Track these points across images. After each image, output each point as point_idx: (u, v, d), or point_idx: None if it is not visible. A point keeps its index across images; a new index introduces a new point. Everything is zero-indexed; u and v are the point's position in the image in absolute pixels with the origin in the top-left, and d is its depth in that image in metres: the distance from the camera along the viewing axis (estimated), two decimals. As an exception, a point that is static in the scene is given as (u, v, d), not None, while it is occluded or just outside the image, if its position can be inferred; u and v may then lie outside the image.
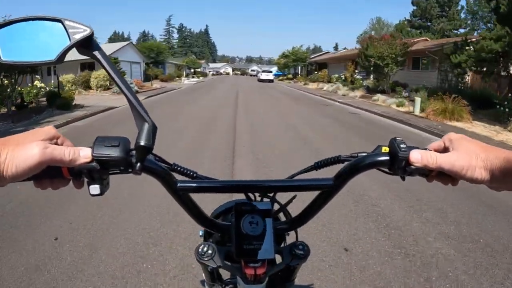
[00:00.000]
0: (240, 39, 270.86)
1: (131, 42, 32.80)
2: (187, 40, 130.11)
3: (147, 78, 34.94)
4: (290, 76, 54.38)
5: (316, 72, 41.77)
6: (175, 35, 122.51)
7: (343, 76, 30.10)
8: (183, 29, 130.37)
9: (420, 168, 0.57)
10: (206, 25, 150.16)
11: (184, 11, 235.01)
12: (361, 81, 24.94)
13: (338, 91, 23.57)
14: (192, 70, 65.38)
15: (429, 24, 46.72)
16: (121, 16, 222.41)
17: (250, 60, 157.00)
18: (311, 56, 50.08)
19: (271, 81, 47.12)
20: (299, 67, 52.55)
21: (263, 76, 48.45)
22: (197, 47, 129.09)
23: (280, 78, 56.56)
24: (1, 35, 0.53)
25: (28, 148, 0.47)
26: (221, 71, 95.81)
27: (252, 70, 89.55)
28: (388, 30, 56.83)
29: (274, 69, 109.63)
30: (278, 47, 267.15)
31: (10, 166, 0.46)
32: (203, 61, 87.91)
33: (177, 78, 41.77)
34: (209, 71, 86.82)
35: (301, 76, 50.07)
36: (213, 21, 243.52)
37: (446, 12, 45.91)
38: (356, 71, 27.15)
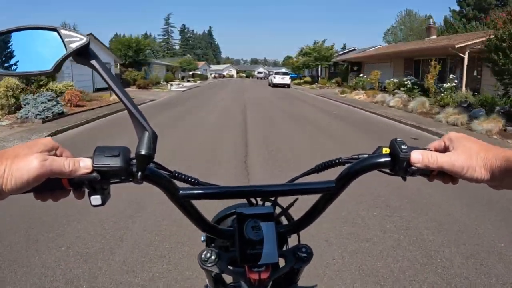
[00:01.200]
0: (244, 41, 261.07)
1: (92, 35, 20.93)
2: (190, 41, 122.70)
3: (126, 83, 24.53)
4: (307, 79, 41.73)
5: (352, 75, 29.43)
6: (175, 35, 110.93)
7: (407, 83, 17.91)
8: (185, 30, 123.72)
9: (421, 168, 0.56)
10: (210, 26, 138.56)
11: (186, 11, 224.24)
12: (453, 93, 13.56)
13: (439, 116, 11.30)
14: (191, 73, 53.58)
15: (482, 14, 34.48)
16: (121, 17, 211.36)
17: (255, 62, 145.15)
18: (339, 53, 37.50)
19: (287, 86, 35.96)
20: (320, 68, 40.15)
21: (278, 79, 36.58)
22: (200, 49, 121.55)
23: (295, 81, 44.33)
24: None
25: (27, 161, 0.46)
26: (224, 73, 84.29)
27: (259, 72, 78.25)
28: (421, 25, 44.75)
29: (283, 70, 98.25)
30: (283, 49, 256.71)
31: (10, 180, 0.45)
32: (202, 62, 76.30)
33: (165, 83, 29.92)
34: (211, 74, 75.28)
35: (323, 79, 37.68)
36: (217, 22, 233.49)
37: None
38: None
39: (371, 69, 24.65)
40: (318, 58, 36.85)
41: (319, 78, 40.24)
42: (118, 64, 28.35)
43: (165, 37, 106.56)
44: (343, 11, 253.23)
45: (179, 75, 44.83)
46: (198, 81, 47.34)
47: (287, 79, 36.01)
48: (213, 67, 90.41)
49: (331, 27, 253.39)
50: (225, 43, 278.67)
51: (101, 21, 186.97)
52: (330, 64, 37.31)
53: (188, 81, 45.83)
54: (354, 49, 45.27)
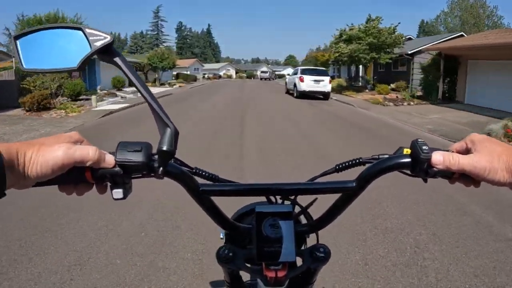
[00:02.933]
0: (244, 41, 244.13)
1: None
2: (187, 40, 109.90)
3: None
4: (340, 81, 27.15)
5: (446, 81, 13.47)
6: (167, 30, 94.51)
7: None
8: (182, 27, 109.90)
9: (442, 170, 0.54)
10: (209, 24, 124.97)
11: (183, 10, 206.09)
12: None
13: None
14: (175, 73, 37.61)
15: None
16: (113, 17, 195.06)
17: (257, 61, 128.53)
18: (424, 45, 20.61)
19: (325, 96, 19.45)
20: (360, 67, 23.97)
21: (309, 84, 19.13)
22: (198, 48, 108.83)
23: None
24: (23, 44, 0.52)
25: (52, 149, 0.46)
26: (221, 73, 68.05)
27: (263, 72, 62.34)
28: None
29: (289, 69, 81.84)
30: (283, 49, 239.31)
31: (35, 166, 0.45)
32: (192, 60, 60.16)
33: (87, 98, 13.91)
34: (204, 74, 59.08)
35: (369, 83, 21.64)
36: (216, 22, 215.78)
37: None
38: None
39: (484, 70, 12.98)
40: (376, 45, 20.22)
41: (368, 81, 23.87)
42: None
43: (154, 33, 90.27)
44: (346, 10, 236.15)
45: (157, 75, 28.89)
46: (179, 85, 31.30)
47: (325, 84, 19.03)
48: (207, 65, 74.15)
49: (334, 26, 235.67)
50: (225, 43, 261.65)
51: (99, 21, 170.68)
52: (391, 58, 21.01)
53: (163, 84, 29.82)
54: (410, 38, 29.26)
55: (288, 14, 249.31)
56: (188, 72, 47.19)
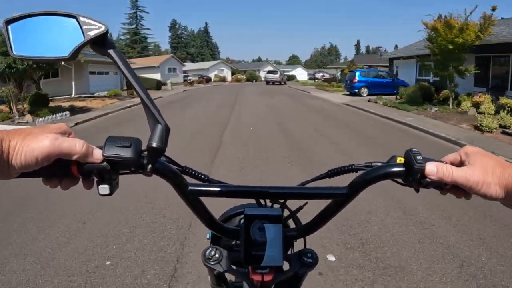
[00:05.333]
0: (244, 41, 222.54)
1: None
2: (182, 38, 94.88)
3: None
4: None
5: None
6: (148, 23, 74.30)
7: None
8: (177, 25, 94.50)
9: (435, 181, 0.51)
10: (206, 23, 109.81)
11: (177, 4, 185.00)
12: None
13: None
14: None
15: None
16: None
17: (258, 60, 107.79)
18: None
19: None
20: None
21: None
22: (194, 47, 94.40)
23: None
24: (14, 29, 0.48)
25: (38, 139, 0.43)
26: (211, 74, 47.47)
27: (270, 73, 42.78)
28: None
29: (299, 69, 60.57)
30: (284, 50, 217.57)
31: (19, 155, 0.42)
32: (167, 56, 40.36)
33: None
34: (186, 76, 39.34)
35: None
36: (214, 20, 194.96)
37: None
38: None
39: None
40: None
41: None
42: None
43: (132, 27, 69.79)
44: (348, 10, 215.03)
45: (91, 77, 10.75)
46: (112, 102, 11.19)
47: None
48: (191, 65, 53.76)
49: (340, 28, 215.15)
50: (224, 43, 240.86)
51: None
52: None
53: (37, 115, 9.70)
54: None
55: (289, 14, 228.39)
56: (151, 77, 27.28)
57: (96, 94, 20.53)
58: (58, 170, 0.47)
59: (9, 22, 0.48)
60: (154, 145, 0.47)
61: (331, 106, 14.69)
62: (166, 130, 0.48)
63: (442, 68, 12.29)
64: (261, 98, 18.75)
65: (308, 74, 68.18)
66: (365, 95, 18.67)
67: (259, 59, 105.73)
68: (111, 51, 0.48)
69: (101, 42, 0.48)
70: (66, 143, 0.45)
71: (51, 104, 14.44)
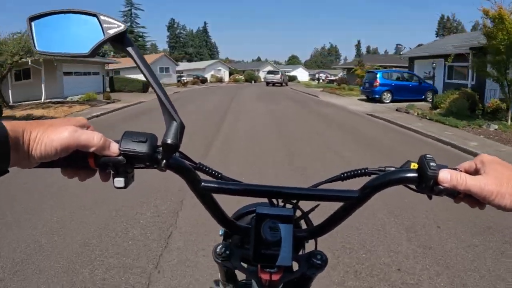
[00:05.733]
0: (244, 42, 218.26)
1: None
2: (180, 38, 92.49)
3: None
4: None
5: None
6: (143, 21, 71.20)
7: None
8: (175, 25, 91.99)
9: (448, 189, 0.50)
10: (205, 22, 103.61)
11: (178, 4, 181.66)
12: None
13: None
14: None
15: None
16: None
17: (258, 60, 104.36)
18: None
19: None
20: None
21: None
22: (192, 47, 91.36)
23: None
24: (37, 26, 0.50)
25: (58, 130, 0.45)
26: (207, 75, 44.10)
27: (270, 73, 39.13)
28: None
29: (300, 70, 57.47)
30: (286, 50, 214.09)
31: (40, 145, 0.43)
32: (159, 54, 37.47)
33: None
34: (179, 76, 36.62)
35: None
36: (214, 20, 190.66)
37: None
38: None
39: None
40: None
41: None
42: None
43: (126, 25, 65.88)
44: (349, 9, 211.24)
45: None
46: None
47: None
48: (186, 64, 50.47)
49: (340, 28, 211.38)
50: (224, 44, 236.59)
51: None
52: None
53: None
54: None
55: (288, 14, 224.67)
56: (133, 77, 24.11)
57: (68, 99, 17.24)
58: (76, 161, 0.48)
59: (32, 19, 0.50)
60: (169, 141, 0.48)
61: (352, 118, 11.39)
62: (181, 127, 0.49)
63: (502, 71, 9.08)
64: (261, 105, 15.39)
65: (310, 75, 65.22)
66: (387, 101, 15.52)
67: (259, 59, 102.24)
68: (129, 49, 0.49)
69: (120, 40, 0.49)
70: (84, 135, 0.46)
71: (8, 113, 11.63)
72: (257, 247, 0.57)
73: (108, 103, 15.99)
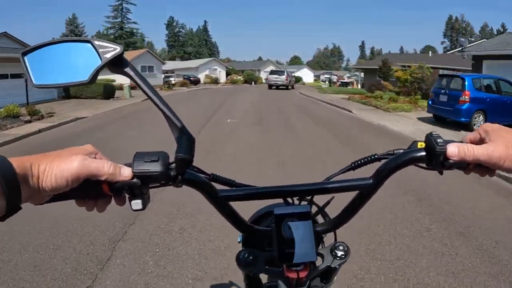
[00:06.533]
0: (244, 41, 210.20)
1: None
2: (179, 37, 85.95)
3: None
4: None
5: None
6: (135, 16, 64.90)
7: None
8: (174, 23, 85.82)
9: (458, 162, 0.51)
10: (205, 21, 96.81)
11: (178, 2, 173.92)
12: None
13: None
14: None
15: None
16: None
17: (259, 59, 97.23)
18: None
19: None
20: None
21: None
22: (192, 46, 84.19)
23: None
24: (31, 60, 0.49)
25: (67, 160, 0.44)
26: (201, 75, 37.47)
27: (273, 73, 30.59)
28: None
29: (305, 70, 50.90)
30: (287, 50, 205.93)
31: (49, 177, 0.42)
32: (140, 51, 31.37)
33: None
34: (167, 77, 29.23)
35: None
36: (214, 20, 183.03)
37: None
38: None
39: None
40: None
41: None
42: None
43: (116, 20, 59.48)
44: (352, 9, 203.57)
45: None
46: None
47: None
48: (178, 63, 43.29)
49: (343, 28, 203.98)
50: (224, 44, 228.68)
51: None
52: None
53: None
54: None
55: (290, 14, 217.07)
56: (122, 77, 17.05)
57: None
58: (89, 191, 0.47)
59: (25, 53, 0.49)
60: (181, 156, 0.47)
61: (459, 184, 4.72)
62: (192, 141, 0.49)
63: None
64: (262, 137, 7.76)
65: (315, 76, 58.97)
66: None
67: (260, 59, 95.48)
68: (127, 69, 0.48)
69: (118, 63, 0.48)
70: (94, 164, 0.45)
71: None
72: (280, 247, 0.56)
73: (29, 121, 9.38)
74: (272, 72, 29.92)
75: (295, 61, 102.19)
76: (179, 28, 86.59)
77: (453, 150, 0.50)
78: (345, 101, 16.22)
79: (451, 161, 0.50)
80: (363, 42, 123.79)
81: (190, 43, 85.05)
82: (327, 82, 46.19)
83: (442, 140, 0.51)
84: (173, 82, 31.67)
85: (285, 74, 28.32)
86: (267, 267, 0.63)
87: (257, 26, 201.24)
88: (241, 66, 52.92)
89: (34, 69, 0.48)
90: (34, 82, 0.48)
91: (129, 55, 29.65)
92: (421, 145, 0.55)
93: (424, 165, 0.54)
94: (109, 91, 18.03)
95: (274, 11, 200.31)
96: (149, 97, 0.48)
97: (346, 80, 36.03)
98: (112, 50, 0.47)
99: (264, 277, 0.68)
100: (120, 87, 20.66)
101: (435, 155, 0.50)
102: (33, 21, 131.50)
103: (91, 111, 12.43)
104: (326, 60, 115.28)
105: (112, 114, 11.92)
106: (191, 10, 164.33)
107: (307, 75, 55.30)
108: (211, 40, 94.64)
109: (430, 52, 47.64)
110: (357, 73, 35.19)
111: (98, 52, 0.47)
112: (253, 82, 39.98)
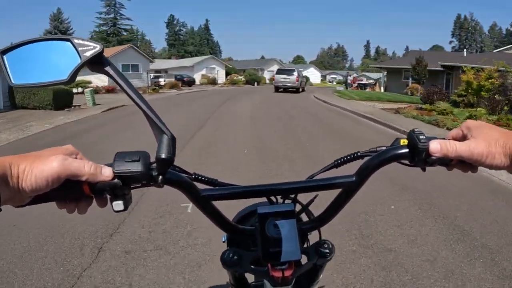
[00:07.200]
0: (247, 40, 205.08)
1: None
2: (180, 35, 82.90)
3: None
4: None
5: None
6: (128, 12, 60.28)
7: None
8: (174, 21, 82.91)
9: (441, 158, 0.50)
10: (207, 20, 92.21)
11: (178, 3, 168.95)
12: None
13: None
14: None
15: None
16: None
17: (262, 58, 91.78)
18: None
19: None
20: None
21: None
22: (193, 45, 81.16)
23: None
24: (10, 59, 0.47)
25: (47, 160, 0.42)
26: (196, 75, 32.14)
27: (282, 72, 24.01)
28: None
29: (312, 70, 46.36)
30: (290, 50, 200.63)
31: (29, 177, 0.40)
32: (122, 47, 28.79)
33: None
34: (156, 78, 23.55)
35: None
36: (216, 19, 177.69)
37: None
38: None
39: None
40: None
41: None
42: None
43: (109, 16, 54.43)
44: (354, 9, 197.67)
45: None
46: None
47: None
48: (171, 62, 38.07)
49: (347, 28, 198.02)
50: (227, 43, 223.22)
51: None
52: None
53: None
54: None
55: (292, 13, 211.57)
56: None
57: None
58: (69, 192, 0.46)
59: (3, 52, 0.47)
60: (163, 156, 0.46)
61: None
62: (173, 140, 0.47)
63: None
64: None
65: (321, 76, 54.08)
66: None
67: (263, 58, 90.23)
68: (107, 68, 0.47)
69: (97, 61, 0.47)
70: (75, 163, 0.44)
71: None
72: (265, 247, 0.56)
73: None
74: (279, 71, 23.81)
75: (298, 61, 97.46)
76: (180, 27, 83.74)
77: (435, 147, 0.49)
78: (394, 117, 10.53)
79: (434, 157, 0.50)
80: (368, 42, 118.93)
81: (191, 42, 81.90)
82: (334, 83, 41.60)
83: (424, 137, 0.50)
84: (162, 83, 26.59)
85: (296, 73, 22.62)
86: (252, 266, 0.61)
87: (260, 25, 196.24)
88: (243, 65, 47.27)
89: (13, 68, 0.46)
90: (12, 81, 0.46)
91: (108, 52, 24.57)
92: (403, 142, 0.54)
93: (407, 162, 0.54)
94: (63, 99, 13.03)
95: (277, 10, 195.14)
96: (130, 97, 0.47)
97: (364, 81, 30.79)
98: (91, 48, 0.45)
99: (251, 277, 0.67)
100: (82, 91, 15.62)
101: (417, 151, 0.50)
102: (14, 17, 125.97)
103: (28, 131, 7.68)
104: (330, 60, 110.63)
105: (39, 140, 6.93)
106: (191, 9, 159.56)
107: (314, 75, 50.29)
108: (212, 39, 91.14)
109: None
110: (382, 73, 29.89)
111: (77, 51, 0.46)
112: (255, 83, 34.86)
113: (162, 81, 26.97)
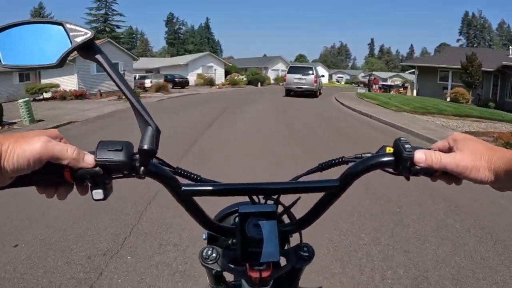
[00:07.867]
0: (248, 40, 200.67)
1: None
2: (180, 34, 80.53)
3: None
4: None
5: None
6: (121, 7, 56.58)
7: None
8: (174, 20, 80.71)
9: (425, 168, 0.50)
10: (207, 18, 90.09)
11: (178, 2, 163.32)
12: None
13: None
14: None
15: None
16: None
17: (264, 56, 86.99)
18: None
19: None
20: None
21: None
22: (193, 44, 78.16)
23: None
24: (1, 39, 0.46)
25: (30, 141, 0.41)
26: (191, 75, 27.18)
27: (296, 71, 18.32)
28: None
29: (319, 69, 41.23)
30: (291, 49, 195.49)
31: (11, 157, 0.39)
32: (99, 42, 19.19)
33: None
34: (142, 78, 18.59)
35: None
36: (217, 18, 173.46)
37: None
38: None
39: None
40: None
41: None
42: None
43: (100, 12, 49.69)
44: (357, 8, 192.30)
45: None
46: None
47: None
48: (162, 61, 33.32)
49: (350, 26, 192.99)
50: (228, 42, 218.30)
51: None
52: None
53: None
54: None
55: (295, 12, 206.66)
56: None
57: None
58: (50, 177, 0.45)
59: None
60: (145, 147, 0.45)
61: None
62: (157, 132, 0.47)
63: None
64: None
65: (329, 76, 49.49)
66: None
67: (265, 57, 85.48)
68: (98, 56, 0.46)
69: (88, 48, 0.46)
70: (58, 146, 0.43)
71: None
72: (244, 246, 0.55)
73: None
74: (292, 70, 18.25)
75: (301, 60, 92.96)
76: (180, 25, 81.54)
77: (420, 156, 0.49)
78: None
79: (418, 167, 0.49)
80: (372, 40, 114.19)
81: (191, 41, 79.46)
82: (342, 82, 37.11)
83: (410, 146, 0.50)
84: (149, 84, 21.95)
85: (313, 73, 17.42)
86: (231, 265, 0.60)
87: (261, 24, 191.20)
88: (244, 64, 42.25)
89: (3, 48, 0.45)
90: (2, 62, 0.45)
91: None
92: (389, 150, 0.53)
93: (391, 170, 0.53)
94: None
95: (279, 9, 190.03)
96: (119, 87, 0.46)
97: (389, 83, 26.00)
98: (83, 34, 0.45)
99: (230, 276, 0.66)
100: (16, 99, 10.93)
101: (402, 160, 0.49)
102: None
103: None
104: (334, 59, 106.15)
105: None
106: (191, 8, 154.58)
107: (323, 74, 45.37)
108: (213, 38, 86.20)
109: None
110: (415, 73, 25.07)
111: (69, 36, 0.45)
112: (259, 84, 30.25)
113: (148, 82, 22.39)
